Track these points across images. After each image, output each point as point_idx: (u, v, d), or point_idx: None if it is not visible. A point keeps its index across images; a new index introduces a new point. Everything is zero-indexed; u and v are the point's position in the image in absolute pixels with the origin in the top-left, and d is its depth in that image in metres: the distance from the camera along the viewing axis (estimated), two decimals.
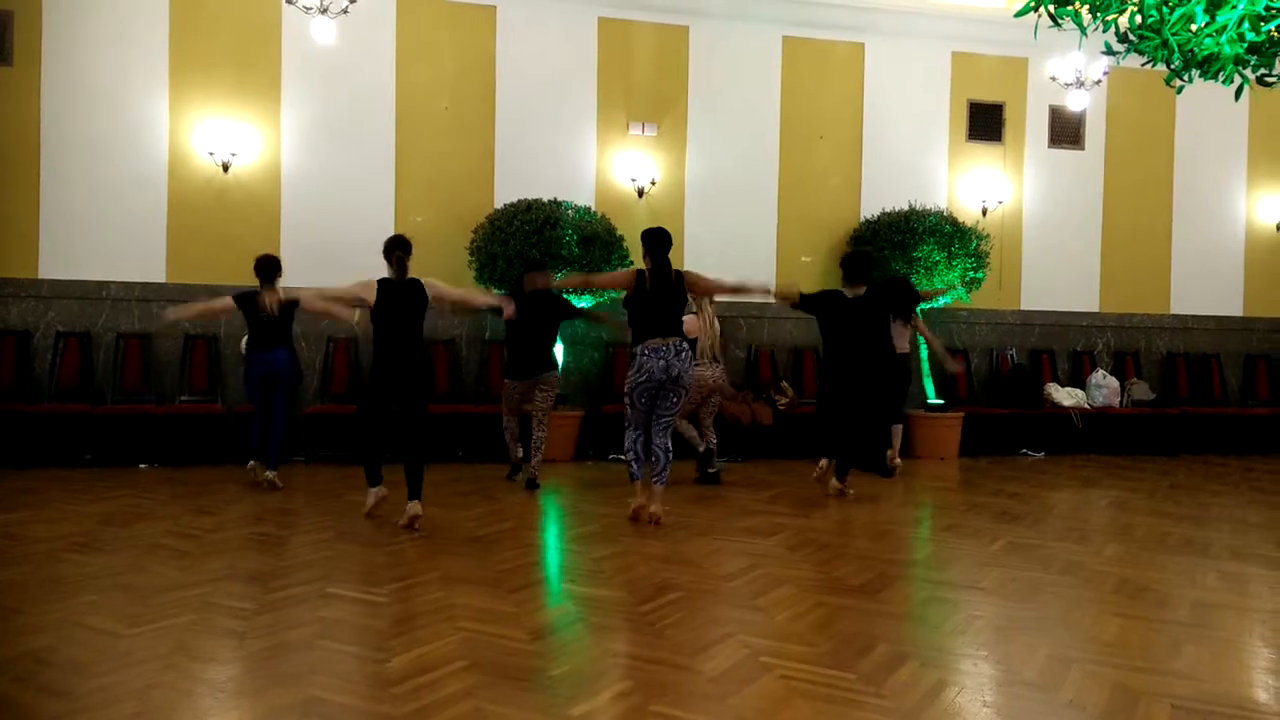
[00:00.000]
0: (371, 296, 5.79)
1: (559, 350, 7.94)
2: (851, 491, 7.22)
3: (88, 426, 7.94)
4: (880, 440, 7.22)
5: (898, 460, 8.47)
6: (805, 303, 6.85)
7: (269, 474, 6.99)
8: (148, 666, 3.43)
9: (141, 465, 7.94)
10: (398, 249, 5.86)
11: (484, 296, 6.68)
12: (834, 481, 7.20)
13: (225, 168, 8.58)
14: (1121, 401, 10.49)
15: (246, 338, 7.06)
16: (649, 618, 4.13)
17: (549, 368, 7.22)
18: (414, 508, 5.72)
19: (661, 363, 5.90)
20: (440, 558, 5.12)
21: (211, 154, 8.56)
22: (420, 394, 5.86)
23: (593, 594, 4.55)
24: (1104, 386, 10.39)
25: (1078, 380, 10.68)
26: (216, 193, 8.62)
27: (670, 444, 6.12)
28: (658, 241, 6.01)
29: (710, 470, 7.70)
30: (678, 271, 6.06)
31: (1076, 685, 3.44)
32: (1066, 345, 10.92)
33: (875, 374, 6.91)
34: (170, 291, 8.52)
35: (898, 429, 8.33)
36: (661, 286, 5.95)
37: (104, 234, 8.41)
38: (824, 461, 7.52)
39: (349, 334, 8.86)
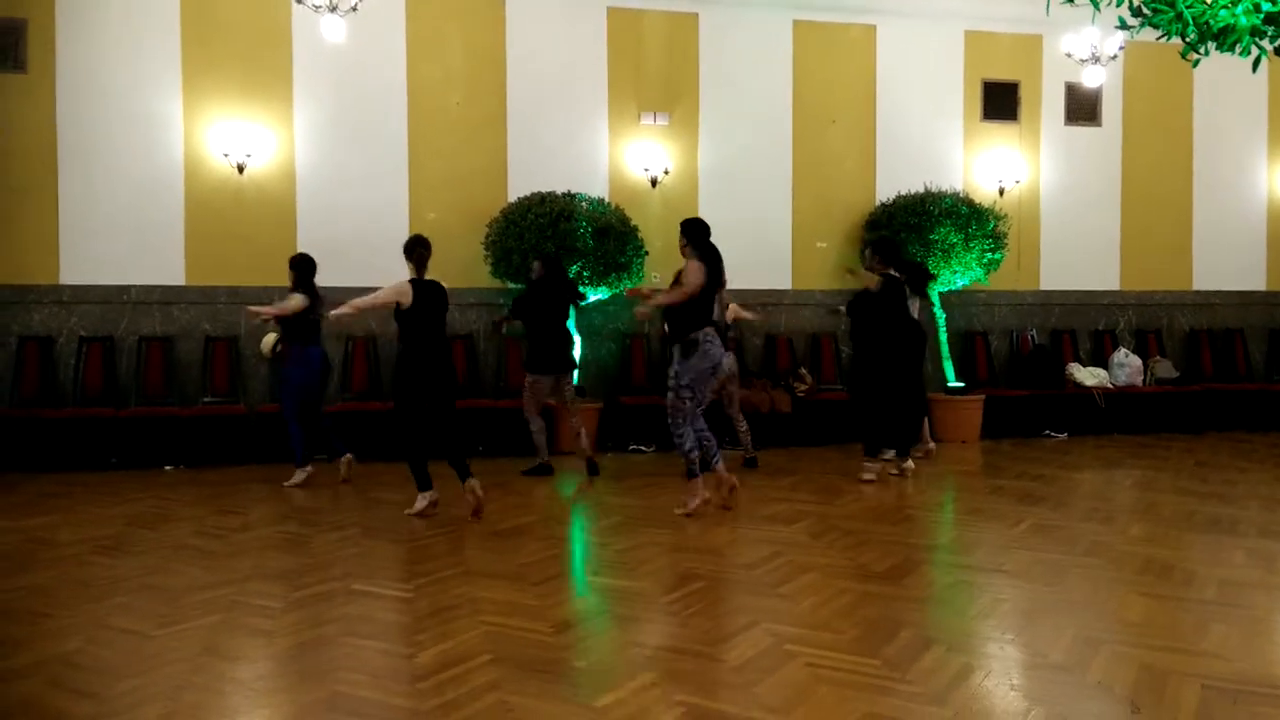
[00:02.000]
0: (408, 299, 5.81)
1: (576, 341, 7.97)
2: (910, 464, 7.42)
3: (112, 430, 8.02)
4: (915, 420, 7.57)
5: (931, 444, 8.46)
6: (853, 309, 7.37)
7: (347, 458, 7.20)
8: (177, 667, 3.47)
9: (166, 467, 8.02)
10: (420, 247, 5.95)
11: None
12: (895, 462, 7.43)
13: (240, 169, 8.62)
14: (1145, 380, 10.39)
15: (283, 336, 7.02)
16: (672, 608, 4.14)
17: (573, 359, 7.45)
18: (474, 485, 5.85)
19: (720, 350, 5.92)
20: (463, 552, 5.14)
21: (226, 156, 8.60)
22: (455, 390, 6.02)
23: (616, 585, 4.56)
24: (1126, 365, 10.30)
25: (1100, 359, 10.59)
26: (233, 194, 8.67)
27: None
28: (704, 230, 5.99)
29: (749, 456, 7.92)
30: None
31: (1104, 667, 3.42)
32: (1088, 324, 10.83)
33: (913, 356, 7.33)
34: (190, 294, 8.59)
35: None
36: (715, 275, 5.92)
37: (123, 238, 8.47)
38: (890, 453, 7.55)
39: (368, 331, 8.90)
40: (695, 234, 5.97)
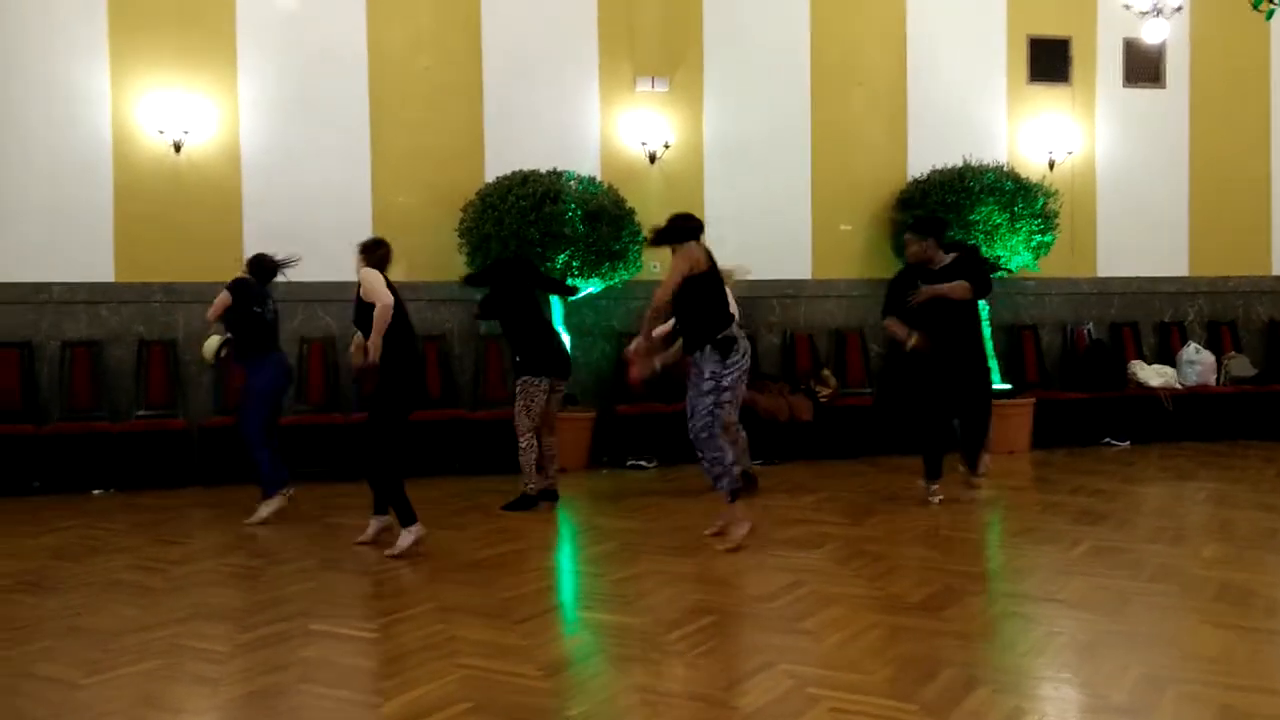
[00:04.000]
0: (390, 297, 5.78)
1: (566, 341, 7.94)
2: (981, 476, 7.15)
3: (33, 449, 8.00)
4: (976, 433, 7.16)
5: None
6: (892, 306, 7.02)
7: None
8: None
9: (95, 491, 8.00)
10: (384, 247, 6.08)
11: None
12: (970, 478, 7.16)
13: (177, 147, 8.61)
14: (1218, 379, 10.39)
15: (235, 343, 6.89)
16: (677, 647, 4.13)
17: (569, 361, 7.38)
18: (386, 524, 5.93)
19: (746, 344, 6.01)
20: (437, 585, 5.13)
21: (161, 132, 8.59)
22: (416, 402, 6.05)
23: (612, 621, 4.55)
24: (1197, 362, 10.30)
25: (1166, 356, 10.59)
26: (168, 176, 8.65)
27: None
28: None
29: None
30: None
31: (1174, 709, 3.41)
32: (1152, 316, 10.82)
33: (974, 358, 7.01)
34: (121, 292, 8.58)
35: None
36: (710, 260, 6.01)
37: (41, 228, 8.44)
38: (977, 473, 7.19)
39: (325, 332, 8.90)
40: (689, 229, 6.03)
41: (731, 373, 5.84)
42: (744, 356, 5.92)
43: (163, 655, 4.10)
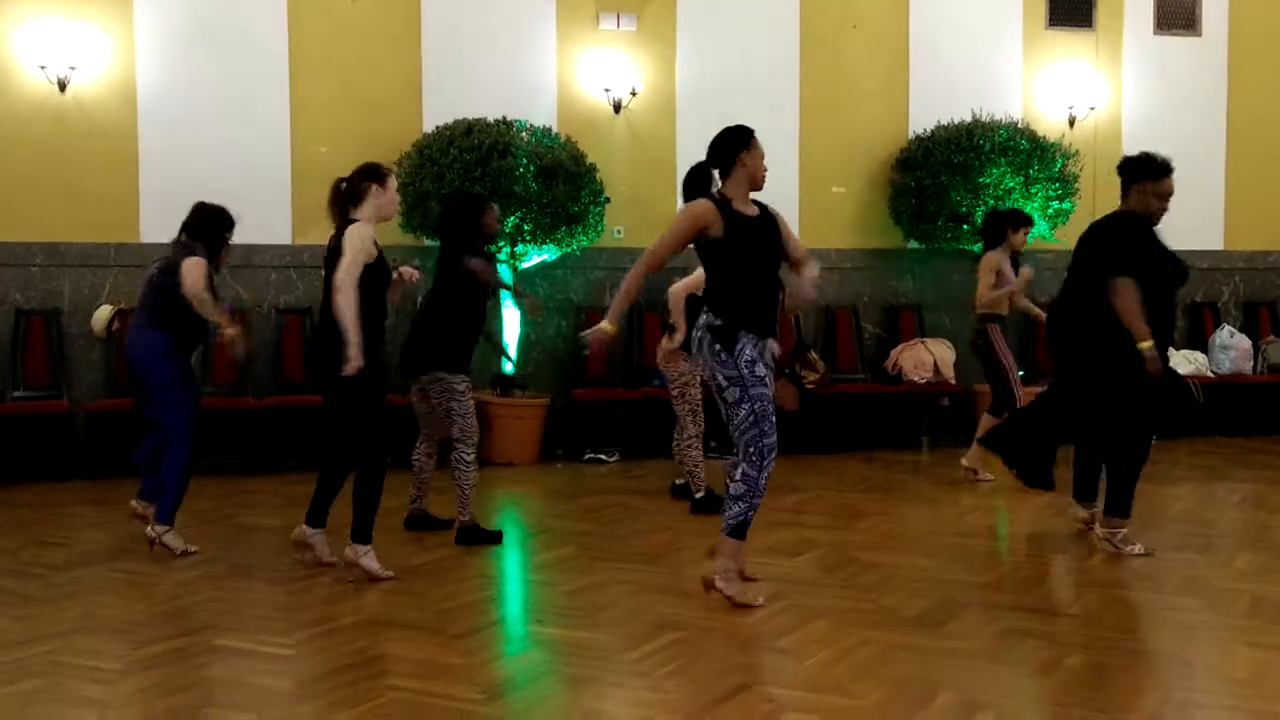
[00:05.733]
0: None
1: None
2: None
3: None
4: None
5: None
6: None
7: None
8: None
9: None
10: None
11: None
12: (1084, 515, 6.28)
13: (62, 86, 8.49)
14: (1255, 367, 10.53)
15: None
16: (640, 666, 4.13)
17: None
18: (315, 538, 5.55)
19: None
20: (364, 596, 5.10)
21: (43, 67, 8.47)
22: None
23: (565, 637, 4.55)
24: (1232, 347, 10.42)
25: (1198, 340, 10.72)
26: (51, 119, 8.53)
27: None
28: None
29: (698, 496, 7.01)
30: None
31: None
32: (1182, 295, 10.90)
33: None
34: None
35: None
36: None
37: None
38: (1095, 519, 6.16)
39: (234, 302, 8.78)
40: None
41: (755, 363, 4.92)
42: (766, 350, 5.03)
43: (42, 674, 4.05)
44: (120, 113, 8.69)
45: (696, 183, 5.04)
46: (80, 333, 8.49)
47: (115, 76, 8.68)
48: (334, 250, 5.31)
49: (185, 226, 6.05)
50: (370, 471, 5.36)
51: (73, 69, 8.51)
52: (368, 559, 5.31)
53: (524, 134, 8.69)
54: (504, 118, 8.81)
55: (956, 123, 9.82)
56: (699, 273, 5.62)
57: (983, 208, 9.33)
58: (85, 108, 8.62)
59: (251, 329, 8.44)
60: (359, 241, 5.22)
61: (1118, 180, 6.27)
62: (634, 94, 9.58)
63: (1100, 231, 6.25)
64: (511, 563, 6.06)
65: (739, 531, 4.84)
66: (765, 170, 4.96)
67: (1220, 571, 5.50)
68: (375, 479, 5.35)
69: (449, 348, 6.15)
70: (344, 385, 5.20)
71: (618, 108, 9.55)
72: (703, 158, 5.00)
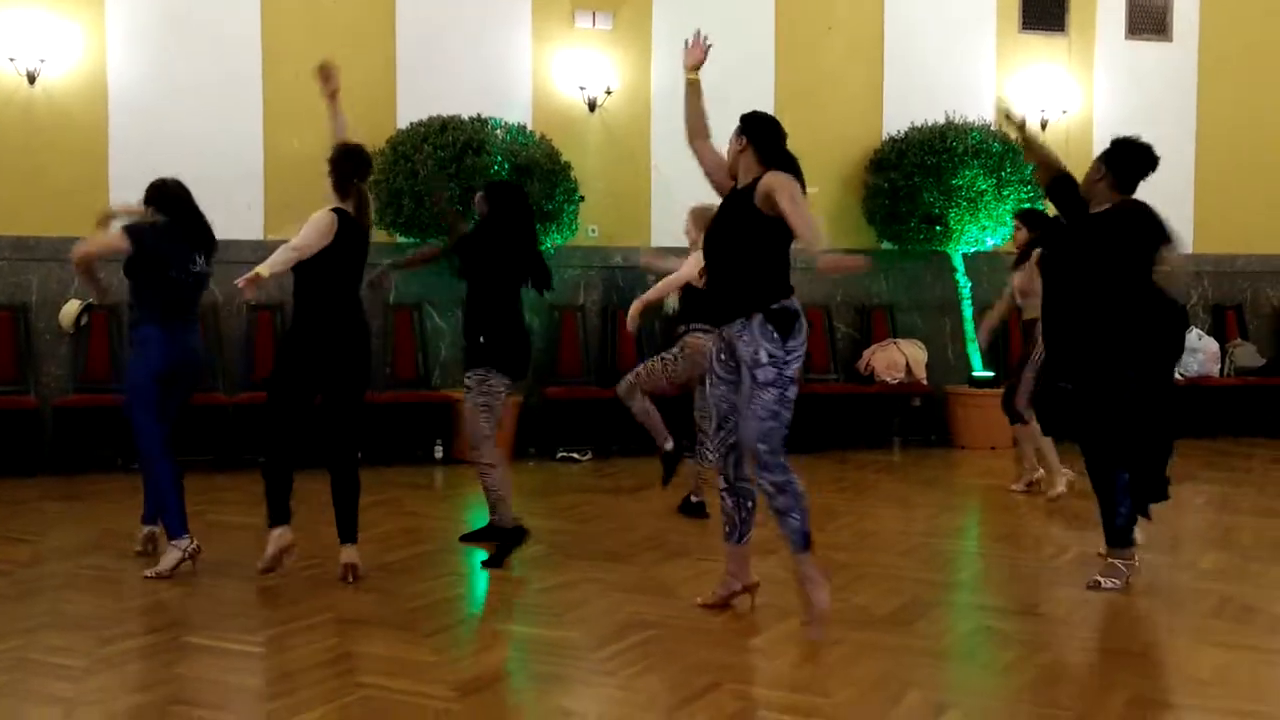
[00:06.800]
0: (328, 237, 5.23)
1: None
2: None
3: None
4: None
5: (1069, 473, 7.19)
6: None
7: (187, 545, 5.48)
8: None
9: None
10: (359, 174, 5.63)
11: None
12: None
13: (31, 78, 8.43)
14: (1222, 369, 10.62)
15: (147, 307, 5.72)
16: (610, 665, 4.14)
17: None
18: (350, 554, 5.28)
19: None
20: (333, 593, 5.08)
21: (12, 60, 8.40)
22: (365, 378, 5.48)
23: (537, 635, 4.56)
24: (1199, 350, 10.50)
25: None
26: (20, 112, 8.47)
27: None
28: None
29: (693, 499, 6.84)
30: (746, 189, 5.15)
31: None
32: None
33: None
34: None
35: None
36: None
37: None
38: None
39: (207, 298, 8.72)
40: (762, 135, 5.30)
41: (794, 362, 4.67)
42: (804, 341, 4.77)
43: (7, 671, 4.02)
44: (90, 106, 8.63)
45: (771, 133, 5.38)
46: (48, 328, 8.43)
47: (86, 69, 8.62)
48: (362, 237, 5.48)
49: (156, 203, 5.91)
50: (354, 468, 5.42)
51: (42, 61, 8.45)
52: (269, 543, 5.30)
53: (499, 132, 8.68)
54: (479, 115, 8.80)
55: (930, 125, 9.86)
56: (697, 262, 5.74)
57: (955, 209, 9.39)
58: (55, 100, 8.55)
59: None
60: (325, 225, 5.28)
61: None
62: (609, 93, 9.58)
63: (1125, 221, 5.49)
64: (482, 560, 6.05)
65: (807, 542, 4.60)
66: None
67: (1187, 572, 5.56)
68: (355, 473, 5.40)
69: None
70: (345, 383, 5.34)
71: (593, 106, 9.55)
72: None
